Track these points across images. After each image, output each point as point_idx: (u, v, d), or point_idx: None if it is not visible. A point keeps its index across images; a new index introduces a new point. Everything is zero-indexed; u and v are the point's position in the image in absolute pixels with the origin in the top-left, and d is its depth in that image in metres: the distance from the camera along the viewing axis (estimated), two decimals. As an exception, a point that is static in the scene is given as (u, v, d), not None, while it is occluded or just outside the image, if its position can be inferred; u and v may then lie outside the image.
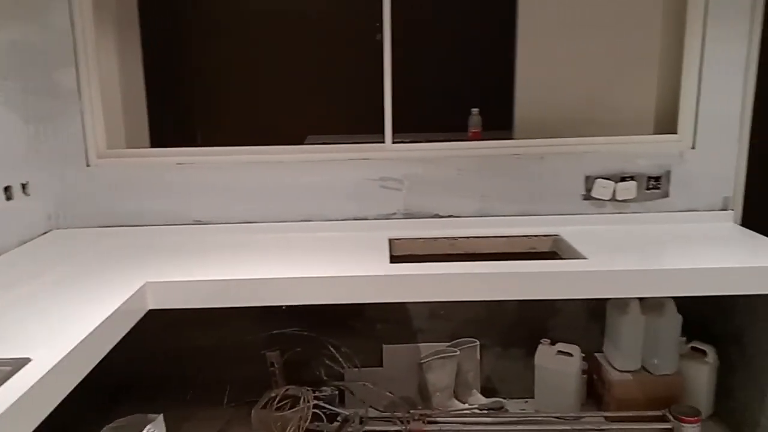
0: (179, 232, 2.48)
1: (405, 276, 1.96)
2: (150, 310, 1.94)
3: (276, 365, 2.54)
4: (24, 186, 2.27)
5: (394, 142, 2.51)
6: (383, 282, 1.96)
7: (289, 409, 2.40)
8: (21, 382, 1.31)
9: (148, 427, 2.02)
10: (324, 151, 2.53)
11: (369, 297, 1.98)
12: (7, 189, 2.16)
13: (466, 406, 2.47)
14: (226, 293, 1.95)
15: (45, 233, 2.40)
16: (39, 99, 2.36)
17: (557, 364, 2.42)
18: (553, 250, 2.38)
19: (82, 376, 1.53)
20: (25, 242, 2.25)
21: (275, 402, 2.43)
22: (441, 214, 2.49)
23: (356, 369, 2.51)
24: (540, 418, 2.38)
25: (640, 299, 2.35)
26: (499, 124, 2.78)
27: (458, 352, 2.45)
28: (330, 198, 2.49)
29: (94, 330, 1.58)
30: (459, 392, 2.50)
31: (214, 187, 2.47)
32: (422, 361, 2.43)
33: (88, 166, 2.44)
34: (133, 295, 1.83)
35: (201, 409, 2.55)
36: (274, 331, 2.53)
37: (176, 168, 2.46)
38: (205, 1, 4.02)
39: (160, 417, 2.08)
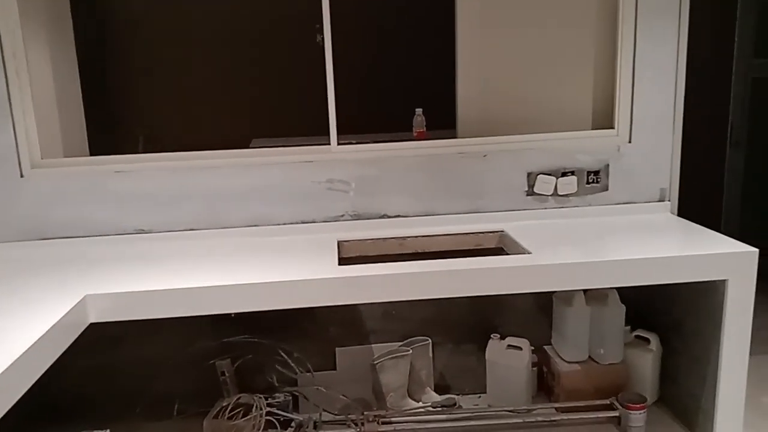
0: (121, 242, 2.41)
1: (354, 278, 1.96)
2: (91, 324, 1.88)
3: (227, 374, 2.49)
4: (-48, 199, 2.16)
5: (339, 144, 2.50)
6: (333, 285, 1.95)
7: (242, 418, 2.36)
8: (-50, 404, 1.25)
9: (93, 445, 1.95)
10: (269, 154, 2.50)
11: (319, 300, 1.97)
12: (-67, 203, 2.06)
13: (420, 404, 2.48)
14: (171, 303, 1.91)
15: (-23, 248, 2.29)
16: (-34, 108, 2.26)
17: (507, 359, 2.45)
18: (500, 246, 2.42)
19: (19, 396, 1.47)
20: (-46, 258, 2.15)
21: (227, 411, 2.38)
22: (389, 214, 2.50)
23: (309, 374, 2.49)
24: (492, 413, 2.41)
25: (585, 291, 2.41)
26: (444, 123, 2.81)
27: (410, 351, 2.46)
28: (277, 202, 2.46)
29: (31, 347, 1.52)
30: (413, 391, 2.51)
31: (156, 195, 2.41)
32: (375, 361, 2.43)
33: (21, 176, 2.35)
34: (72, 308, 1.77)
35: (150, 423, 2.48)
36: (224, 339, 2.48)
37: (115, 176, 2.39)
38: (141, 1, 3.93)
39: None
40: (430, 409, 2.43)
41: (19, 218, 2.37)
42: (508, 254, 2.32)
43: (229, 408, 2.39)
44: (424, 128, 2.74)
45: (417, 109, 2.78)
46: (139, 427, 2.46)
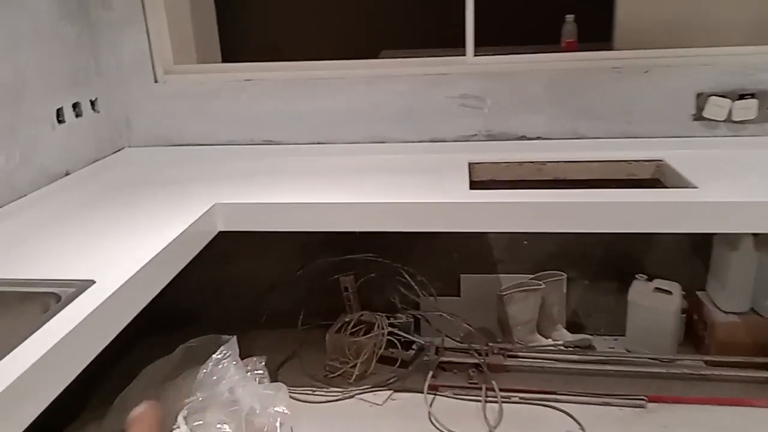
0: (249, 152, 2.38)
1: (487, 204, 1.78)
2: (219, 232, 1.87)
3: (350, 290, 2.46)
4: (93, 103, 2.21)
5: (476, 55, 2.27)
6: (463, 210, 1.79)
7: (363, 335, 2.34)
8: (84, 304, 1.27)
9: (221, 348, 2.00)
10: (399, 65, 2.32)
11: (447, 225, 1.83)
12: (75, 105, 2.11)
13: (550, 341, 2.32)
14: (297, 217, 1.85)
15: (116, 152, 2.36)
16: (104, 11, 2.26)
17: (654, 302, 2.21)
18: (656, 177, 2.12)
19: (150, 299, 1.48)
20: (95, 161, 2.22)
21: (349, 327, 2.37)
22: (528, 135, 2.26)
23: (432, 298, 2.40)
24: (631, 359, 2.20)
25: (755, 234, 2.08)
26: (597, 35, 2.46)
27: (543, 286, 2.28)
28: (405, 118, 2.30)
29: (162, 251, 1.52)
30: (542, 327, 2.35)
31: (284, 105, 2.34)
32: (503, 293, 2.28)
33: (156, 82, 2.36)
34: (202, 216, 1.76)
35: (274, 332, 2.53)
36: (348, 256, 2.44)
37: (246, 84, 2.34)
38: None
39: (233, 339, 2.05)
40: (562, 347, 2.27)
41: (152, 123, 2.40)
42: (666, 187, 2.03)
43: (351, 324, 2.37)
44: (576, 38, 2.41)
45: (567, 16, 2.44)
46: (263, 335, 2.51)
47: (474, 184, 1.97)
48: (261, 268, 2.54)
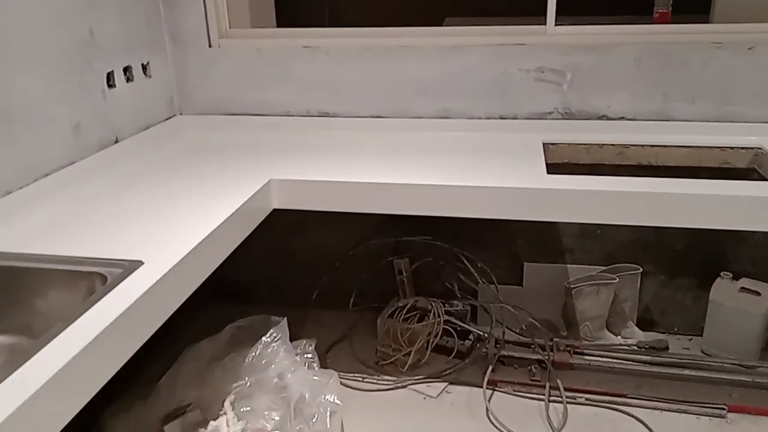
0: (304, 124, 2.25)
1: (568, 191, 1.61)
2: (273, 210, 1.76)
3: (404, 273, 2.34)
4: (145, 67, 2.10)
5: (557, 25, 2.06)
6: (538, 197, 1.62)
7: (417, 322, 2.21)
8: (132, 288, 1.17)
9: (271, 330, 1.90)
10: (469, 34, 2.14)
11: (520, 213, 1.66)
12: (126, 69, 2.00)
13: (620, 339, 2.15)
14: (354, 198, 1.72)
15: (167, 119, 2.26)
16: (159, -31, 2.14)
17: (739, 302, 2.01)
18: (753, 167, 1.91)
19: (200, 282, 1.38)
20: (147, 128, 2.12)
21: (403, 312, 2.25)
22: (610, 115, 2.06)
23: (492, 286, 2.25)
24: (712, 363, 2.01)
25: None
26: (694, 6, 2.22)
27: (617, 280, 2.10)
28: (474, 91, 2.12)
29: (214, 231, 1.41)
30: (612, 323, 2.18)
31: (342, 74, 2.19)
32: (572, 285, 2.12)
33: (210, 46, 2.23)
34: (257, 192, 1.65)
35: (324, 312, 2.43)
36: (404, 238, 2.30)
37: (302, 52, 2.19)
38: None
39: (284, 321, 1.95)
40: (635, 347, 2.10)
41: (207, 91, 2.28)
42: (765, 179, 1.82)
43: (405, 309, 2.25)
44: (669, 8, 2.18)
45: (660, -17, 2.21)
46: (314, 314, 2.42)
47: (549, 168, 1.79)
48: (313, 245, 2.43)
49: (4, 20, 1.51)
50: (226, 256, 1.50)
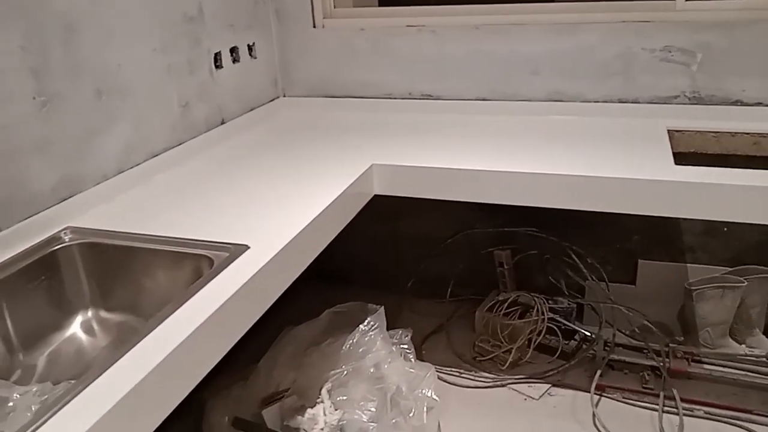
0: (407, 106, 2.18)
1: (696, 185, 1.44)
2: (375, 195, 1.71)
3: (505, 266, 2.23)
4: (250, 47, 2.10)
5: (688, 0, 1.87)
6: (663, 190, 1.47)
7: (518, 317, 2.11)
8: (239, 271, 1.15)
9: (368, 319, 1.86)
10: (588, 10, 1.98)
11: (641, 207, 1.51)
12: (233, 50, 2.00)
13: (745, 348, 1.95)
14: (458, 185, 1.62)
15: (272, 100, 2.25)
16: (266, -51, 2.12)
17: None
18: None
19: (306, 264, 1.35)
20: (252, 109, 2.12)
21: (504, 306, 2.15)
22: (745, 100, 1.86)
23: (603, 283, 2.10)
24: None
25: None
26: None
27: (744, 284, 1.90)
28: (590, 72, 1.97)
29: (319, 215, 1.38)
30: (736, 330, 1.98)
31: (448, 54, 2.09)
32: (693, 287, 1.93)
33: (314, 27, 2.20)
34: (359, 177, 1.60)
35: (420, 301, 2.37)
36: (506, 228, 2.19)
37: (407, 31, 2.11)
38: None
39: (381, 309, 1.90)
40: (763, 359, 1.89)
41: (309, 72, 2.25)
42: None
43: (506, 304, 2.15)
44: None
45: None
46: (409, 302, 2.36)
47: (676, 158, 1.63)
48: (411, 231, 2.37)
49: None
50: (328, 242, 1.46)
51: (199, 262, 1.24)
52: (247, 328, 1.16)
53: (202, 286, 1.10)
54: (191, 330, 0.98)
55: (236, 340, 1.12)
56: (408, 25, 2.12)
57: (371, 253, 2.47)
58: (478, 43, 2.05)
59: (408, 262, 2.36)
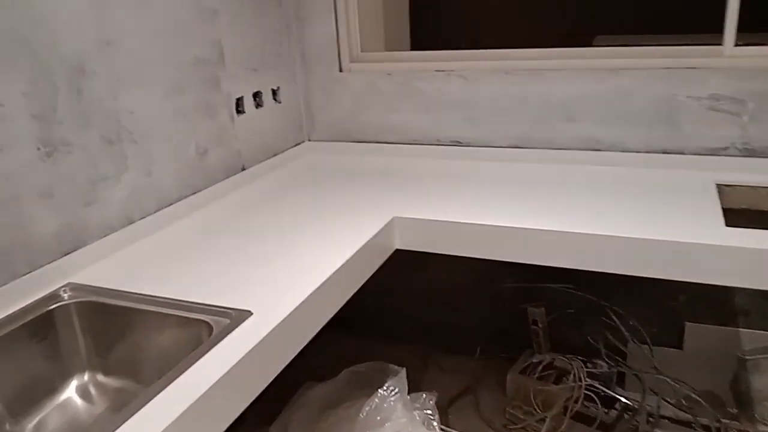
0: (434, 152, 2.08)
1: (752, 251, 1.29)
2: (396, 250, 1.60)
3: (540, 324, 2.08)
4: (275, 92, 2.04)
5: (737, 45, 1.74)
6: (714, 256, 1.32)
7: (553, 381, 1.95)
8: (240, 341, 1.05)
9: (388, 383, 1.74)
10: (628, 56, 1.86)
11: (686, 274, 1.35)
12: (256, 95, 1.95)
13: (809, 427, 1.75)
14: (485, 242, 1.50)
15: (296, 145, 2.19)
16: (292, -7, 2.09)
17: None
18: None
19: (318, 328, 1.25)
20: (274, 155, 2.05)
21: (538, 369, 1.99)
22: (804, 152, 1.70)
23: (646, 347, 1.93)
24: None
25: None
26: None
27: (807, 354, 1.72)
28: (630, 120, 1.85)
29: (331, 276, 1.28)
30: (798, 406, 1.79)
31: (478, 100, 2.00)
32: (747, 356, 1.76)
33: (340, 71, 2.14)
34: (379, 231, 1.50)
35: (447, 357, 2.23)
36: (540, 284, 2.06)
37: (436, 76, 2.03)
38: None
39: (403, 372, 1.78)
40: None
41: (335, 116, 2.19)
42: None
43: (540, 367, 1.99)
44: None
45: None
46: (435, 358, 2.23)
47: (727, 215, 1.48)
48: (437, 282, 2.25)
49: (129, 39, 1.48)
50: (343, 303, 1.36)
51: (197, 329, 1.15)
52: (249, 401, 1.06)
53: (203, 354, 1.01)
54: (191, 401, 0.90)
55: (237, 414, 1.03)
56: (437, 70, 2.04)
57: (395, 303, 2.35)
58: (510, 87, 1.95)
59: (433, 314, 2.24)
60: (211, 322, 1.13)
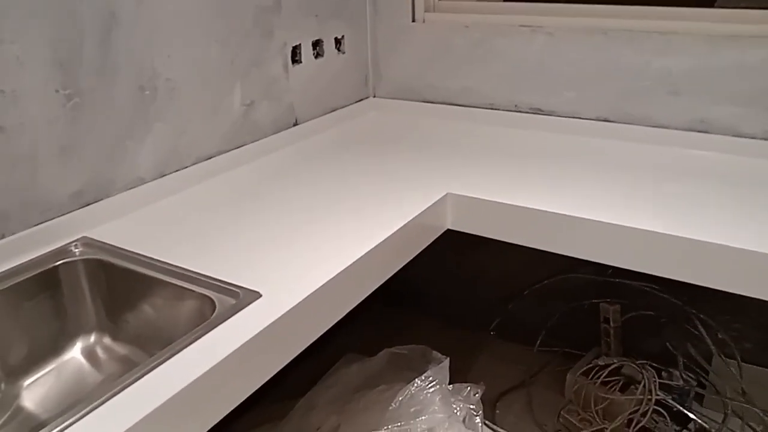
0: (510, 120, 1.84)
1: None
2: (448, 230, 1.42)
3: (611, 323, 1.84)
4: (338, 41, 1.86)
5: None
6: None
7: (619, 390, 1.72)
8: (240, 325, 0.92)
9: (428, 371, 1.58)
10: (758, 20, 1.53)
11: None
12: (316, 44, 1.77)
13: None
14: (555, 234, 1.29)
15: (359, 101, 2.01)
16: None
17: None
18: None
19: (341, 315, 1.11)
20: (333, 110, 1.89)
21: (603, 373, 1.77)
22: None
23: (733, 362, 1.66)
24: None
25: None
26: None
27: None
28: (750, 99, 1.53)
29: (362, 257, 1.12)
30: None
31: (566, 62, 1.73)
32: None
33: (413, 20, 1.92)
34: (428, 208, 1.32)
35: (504, 345, 2.05)
36: (616, 279, 1.81)
37: (519, 31, 1.78)
38: None
39: (445, 362, 1.63)
40: None
41: (404, 72, 1.98)
42: None
43: (607, 371, 1.77)
44: None
45: None
46: (491, 344, 2.05)
47: None
48: (499, 266, 2.05)
49: (175, -17, 1.34)
50: (374, 288, 1.20)
51: (201, 304, 1.02)
52: (252, 390, 0.94)
53: (194, 341, 0.89)
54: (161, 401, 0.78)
55: (241, 400, 0.92)
56: (522, 25, 1.78)
57: (450, 283, 2.17)
58: (605, 50, 1.67)
59: (493, 299, 2.04)
60: (216, 300, 1.00)
